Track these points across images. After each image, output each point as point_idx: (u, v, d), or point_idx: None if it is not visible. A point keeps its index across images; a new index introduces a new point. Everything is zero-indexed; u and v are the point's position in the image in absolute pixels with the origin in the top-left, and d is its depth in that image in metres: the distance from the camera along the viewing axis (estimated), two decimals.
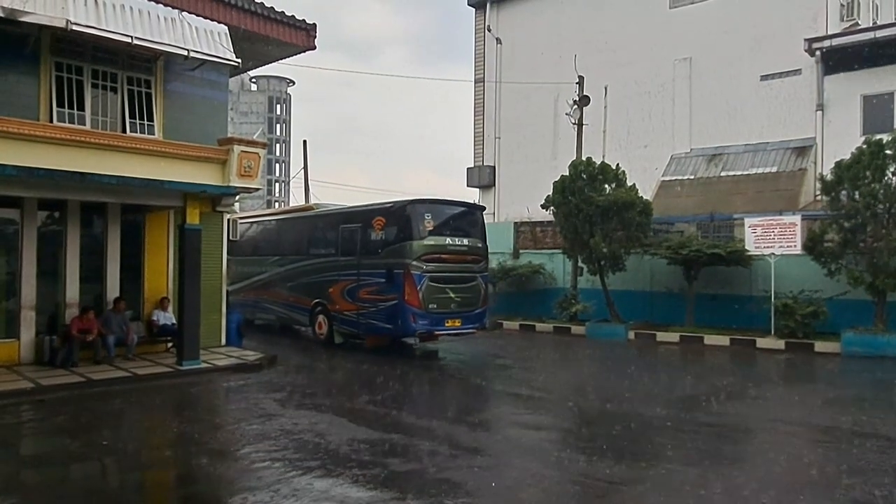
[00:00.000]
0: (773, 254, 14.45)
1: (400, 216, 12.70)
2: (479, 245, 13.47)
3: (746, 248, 14.85)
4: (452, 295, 12.67)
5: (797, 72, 19.57)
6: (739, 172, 19.82)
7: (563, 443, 7.35)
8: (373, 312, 12.90)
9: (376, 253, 12.93)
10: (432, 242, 12.54)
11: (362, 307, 13.11)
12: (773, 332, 14.38)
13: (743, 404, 9.21)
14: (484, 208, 15.69)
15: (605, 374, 12.21)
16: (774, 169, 19.23)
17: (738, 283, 15.81)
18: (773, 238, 14.42)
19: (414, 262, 12.24)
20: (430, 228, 12.65)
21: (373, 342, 13.62)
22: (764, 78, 20.21)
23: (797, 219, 14.47)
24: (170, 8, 11.29)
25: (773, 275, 14.43)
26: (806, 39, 18.61)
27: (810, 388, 10.99)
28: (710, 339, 14.89)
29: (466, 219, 13.67)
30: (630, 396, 9.58)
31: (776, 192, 18.53)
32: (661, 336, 15.55)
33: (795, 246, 14.19)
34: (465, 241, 13.12)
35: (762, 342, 14.25)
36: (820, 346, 13.63)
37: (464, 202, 14.59)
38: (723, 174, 20.14)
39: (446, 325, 12.67)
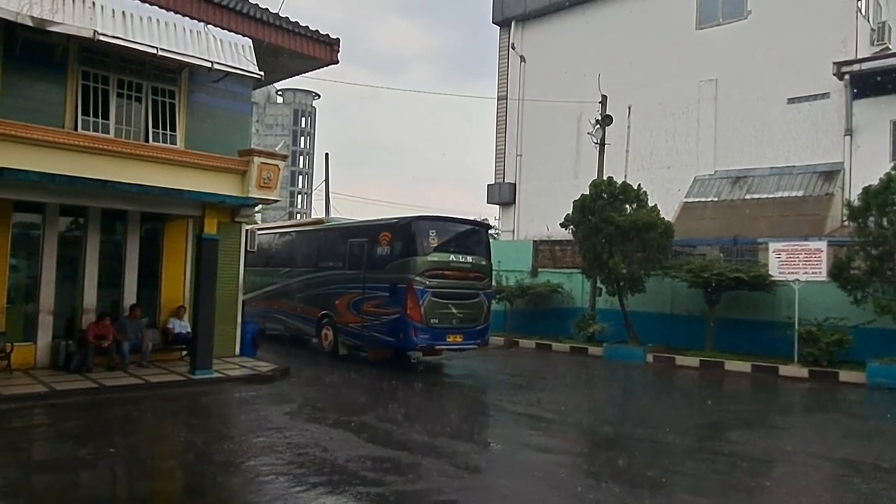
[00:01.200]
0: (797, 280, 14.12)
1: (405, 232, 12.88)
2: (483, 263, 13.61)
3: (770, 273, 14.53)
4: (455, 311, 12.80)
5: (825, 95, 19.27)
6: (764, 196, 19.49)
7: (575, 467, 7.17)
8: (376, 325, 13.04)
9: (381, 267, 13.09)
10: (436, 258, 12.71)
11: (366, 320, 13.25)
12: (796, 359, 14.01)
13: (763, 433, 8.93)
14: (489, 227, 15.71)
15: (622, 397, 11.97)
16: (800, 193, 18.88)
17: (761, 309, 15.47)
18: (798, 264, 14.10)
19: (417, 278, 12.39)
20: (435, 245, 12.85)
21: (375, 355, 13.77)
22: (791, 101, 19.92)
23: (823, 245, 14.14)
24: (195, 20, 11.47)
25: (797, 301, 14.09)
26: (835, 63, 18.33)
27: (833, 419, 10.65)
28: (731, 365, 14.54)
29: (471, 236, 13.84)
30: (646, 421, 9.36)
31: (802, 216, 18.16)
32: (681, 360, 15.24)
33: (821, 272, 13.85)
34: (469, 259, 13.26)
35: (785, 370, 13.88)
36: (844, 375, 13.23)
37: (469, 220, 14.70)
38: (747, 197, 19.83)
39: (448, 340, 12.83)
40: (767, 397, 12.17)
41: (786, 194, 19.11)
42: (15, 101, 10.36)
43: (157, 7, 11.06)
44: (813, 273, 13.92)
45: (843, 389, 12.62)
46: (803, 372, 13.65)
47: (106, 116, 11.30)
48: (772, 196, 19.32)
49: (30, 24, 9.46)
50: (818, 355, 13.67)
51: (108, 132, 11.13)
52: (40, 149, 8.88)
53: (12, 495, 5.56)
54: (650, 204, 16.27)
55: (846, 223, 15.56)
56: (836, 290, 13.78)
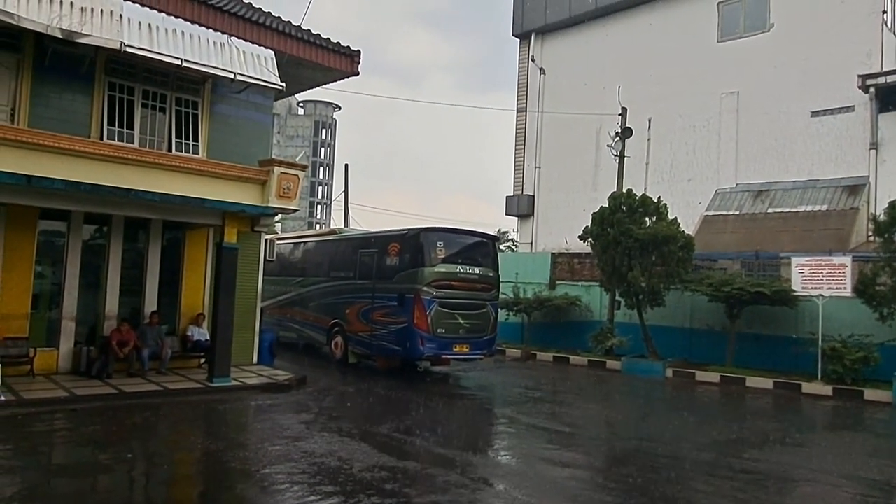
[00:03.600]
0: (821, 295, 13.87)
1: (413, 243, 13.04)
2: (491, 274, 13.76)
3: (793, 288, 14.30)
4: (461, 321, 12.97)
5: (850, 108, 19.03)
6: (787, 209, 19.24)
7: (592, 482, 7.08)
8: (384, 334, 13.21)
9: (390, 277, 13.26)
10: (443, 269, 12.91)
11: (375, 329, 13.42)
12: (819, 376, 13.74)
13: (784, 452, 8.75)
14: (497, 239, 15.78)
15: (640, 412, 11.81)
16: (824, 207, 18.61)
17: (784, 324, 15.21)
18: (822, 279, 13.86)
19: (424, 288, 12.56)
20: (442, 256, 13.07)
21: (383, 363, 13.92)
22: (815, 114, 19.70)
23: (847, 260, 13.90)
24: (219, 33, 11.66)
25: (820, 317, 13.83)
26: (859, 76, 18.10)
27: (858, 438, 10.39)
28: (752, 381, 14.29)
29: (479, 248, 14.02)
30: (664, 437, 9.22)
31: (826, 231, 17.89)
32: (701, 375, 15.02)
33: (845, 288, 13.60)
34: (476, 270, 13.43)
35: (808, 387, 13.62)
36: (870, 393, 12.94)
37: (477, 232, 14.75)
38: (769, 211, 19.59)
39: (454, 349, 13.00)
40: (790, 415, 11.94)
41: (809, 208, 18.85)
42: (43, 110, 10.61)
43: (181, 19, 11.27)
44: (837, 288, 13.67)
45: (868, 408, 12.33)
46: (827, 390, 13.37)
47: (131, 126, 11.49)
48: (795, 210, 19.07)
49: (59, 35, 9.68)
50: (842, 373, 13.38)
51: (132, 142, 11.32)
52: (67, 157, 9.04)
53: (33, 499, 5.63)
54: (670, 217, 16.13)
55: (871, 238, 15.29)
56: (861, 306, 13.53)
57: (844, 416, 11.93)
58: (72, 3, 9.96)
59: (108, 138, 11.05)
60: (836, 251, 15.49)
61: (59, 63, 10.64)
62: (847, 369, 13.34)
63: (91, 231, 11.80)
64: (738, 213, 20.19)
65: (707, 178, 21.59)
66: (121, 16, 10.43)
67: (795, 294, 14.34)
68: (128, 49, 10.27)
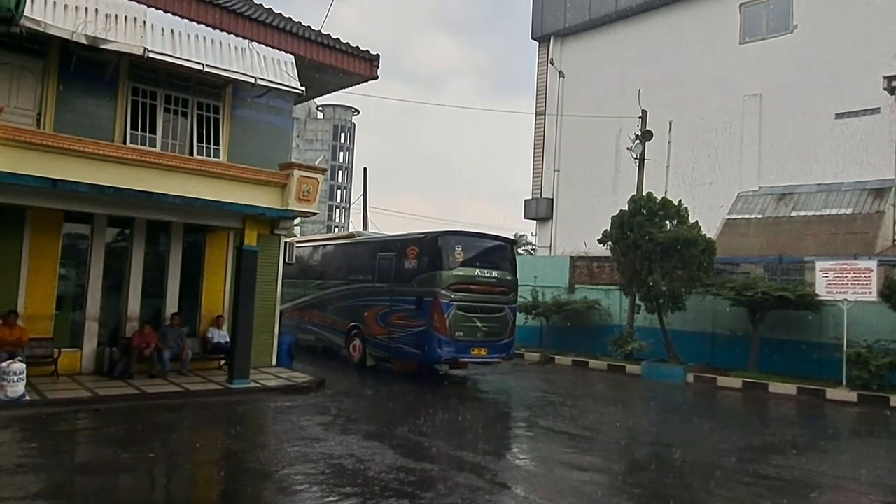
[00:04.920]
0: (845, 300, 13.63)
1: (431, 246, 13.05)
2: (509, 278, 13.75)
3: (817, 292, 14.07)
4: (479, 324, 12.96)
5: (875, 110, 18.71)
6: (811, 213, 18.93)
7: (611, 486, 7.00)
8: (402, 337, 13.23)
9: (408, 281, 13.28)
10: (461, 273, 12.91)
11: (393, 332, 13.44)
12: (844, 382, 13.49)
13: (808, 458, 8.59)
14: (515, 242, 15.69)
15: (660, 417, 11.68)
16: (849, 210, 18.29)
17: (807, 329, 14.96)
18: (847, 283, 13.62)
19: (442, 291, 12.58)
20: (461, 259, 13.07)
21: (401, 366, 13.94)
22: (839, 116, 19.40)
23: (873, 264, 13.63)
24: (240, 38, 11.79)
25: (845, 322, 13.58)
26: (885, 77, 17.76)
27: (883, 445, 10.16)
28: (776, 387, 14.07)
29: (497, 252, 14.00)
30: (685, 442, 9.11)
31: (851, 234, 17.58)
32: (722, 381, 14.82)
33: (871, 293, 13.35)
34: (495, 274, 13.43)
35: (832, 393, 13.37)
36: None
37: (495, 235, 14.75)
38: (793, 214, 19.30)
39: (472, 353, 12.97)
40: (813, 421, 11.73)
41: (834, 212, 18.54)
42: (68, 115, 10.82)
43: (203, 25, 11.41)
44: (862, 293, 13.42)
45: (895, 415, 12.08)
46: (852, 396, 13.12)
47: (153, 130, 11.67)
48: (819, 213, 18.76)
49: (84, 42, 9.86)
50: (868, 379, 13.13)
51: (154, 146, 11.49)
52: (91, 161, 9.21)
53: (58, 496, 5.71)
54: (691, 220, 15.96)
55: None
56: (888, 311, 13.29)
57: (870, 422, 11.69)
58: (96, 10, 10.14)
59: (130, 142, 11.23)
60: (862, 255, 15.21)
61: (84, 69, 10.84)
62: (873, 375, 13.09)
63: (114, 234, 11.98)
64: (760, 216, 19.92)
65: (729, 181, 21.33)
66: (144, 22, 10.59)
67: (819, 298, 14.10)
68: (151, 54, 10.43)
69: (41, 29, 9.50)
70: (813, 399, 13.38)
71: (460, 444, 8.42)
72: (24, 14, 9.06)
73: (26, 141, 8.77)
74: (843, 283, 13.68)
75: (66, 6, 9.83)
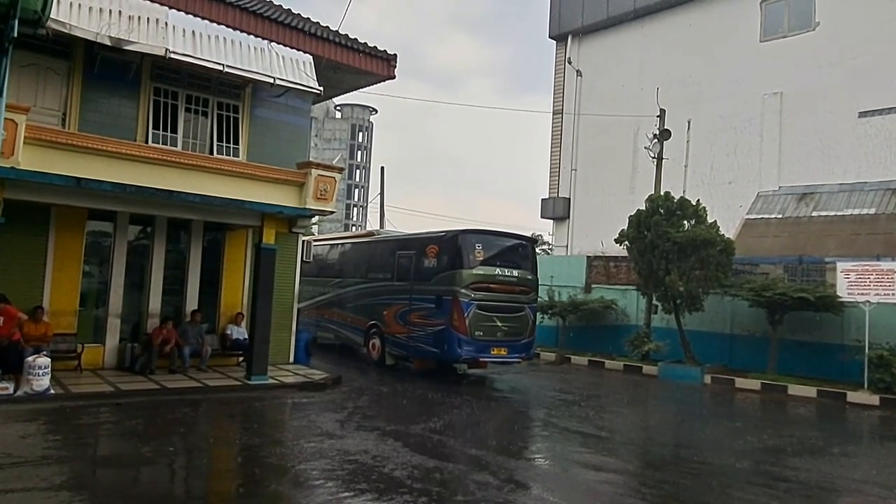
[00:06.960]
0: (868, 301, 13.44)
1: (451, 245, 13.02)
2: (529, 277, 13.67)
3: (838, 294, 13.89)
4: (499, 324, 12.89)
5: None
6: (833, 213, 18.68)
7: (627, 486, 7.00)
8: (421, 336, 13.22)
9: (428, 279, 13.26)
10: (481, 272, 12.84)
11: (412, 331, 13.44)
12: (866, 385, 13.31)
13: (827, 461, 8.51)
14: (536, 241, 15.60)
15: (677, 418, 11.62)
16: (872, 211, 18.02)
17: (828, 331, 14.78)
18: (869, 284, 13.44)
19: (462, 290, 12.54)
20: (481, 258, 13.00)
21: (420, 365, 13.94)
22: (863, 114, 19.10)
23: None
24: (259, 38, 11.92)
25: (867, 323, 13.40)
26: None
27: None
28: (795, 389, 13.92)
29: (517, 251, 13.92)
30: (702, 443, 9.06)
31: (873, 235, 17.32)
32: (740, 382, 14.69)
33: (893, 294, 13.16)
34: (515, 273, 13.35)
35: (853, 396, 13.20)
36: None
37: (515, 234, 14.70)
38: (814, 214, 19.05)
39: (492, 352, 12.91)
40: (833, 424, 11.60)
41: (856, 212, 18.27)
42: (92, 115, 11.02)
43: (223, 26, 11.56)
44: (885, 295, 13.24)
45: None
46: (874, 399, 12.95)
47: (174, 130, 11.84)
48: (841, 213, 18.50)
49: (108, 43, 10.05)
50: (890, 382, 12.96)
51: (175, 145, 11.66)
52: (114, 160, 9.38)
53: (79, 488, 5.84)
54: (709, 220, 15.85)
55: None
56: None
57: (892, 426, 11.53)
58: (120, 12, 10.34)
59: (152, 142, 11.41)
60: (885, 256, 14.99)
61: (108, 69, 11.03)
62: (895, 378, 12.90)
63: (136, 232, 12.18)
64: (780, 216, 19.69)
65: (749, 181, 21.11)
66: (166, 23, 10.77)
67: (841, 300, 13.93)
68: (172, 55, 10.61)
69: (66, 30, 9.70)
70: (833, 402, 13.22)
71: (476, 442, 8.45)
72: (50, 16, 9.24)
73: (52, 140, 8.96)
74: (865, 284, 13.50)
75: (90, 8, 10.03)
